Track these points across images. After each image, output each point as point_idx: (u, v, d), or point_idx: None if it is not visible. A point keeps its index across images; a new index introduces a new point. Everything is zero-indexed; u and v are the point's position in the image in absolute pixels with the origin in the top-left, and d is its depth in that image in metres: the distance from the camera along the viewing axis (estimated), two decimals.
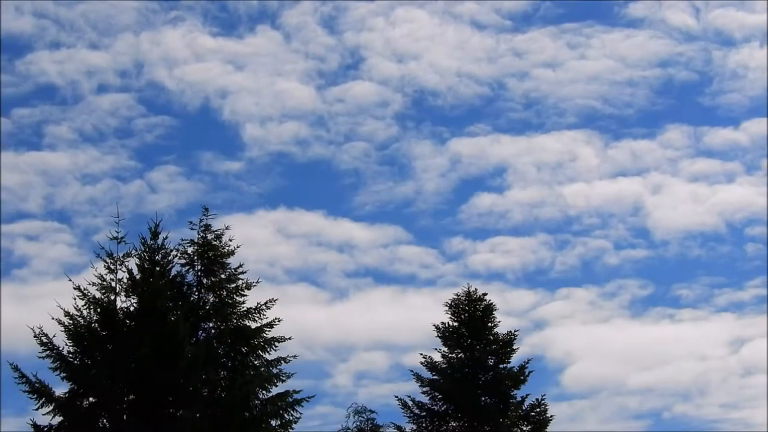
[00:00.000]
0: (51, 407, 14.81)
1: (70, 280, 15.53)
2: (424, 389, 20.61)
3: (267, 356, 16.59)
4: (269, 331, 16.74)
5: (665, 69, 51.70)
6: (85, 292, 15.37)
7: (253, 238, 47.24)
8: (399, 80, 52.28)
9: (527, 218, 48.39)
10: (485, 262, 46.75)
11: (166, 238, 15.87)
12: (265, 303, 16.87)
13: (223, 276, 16.91)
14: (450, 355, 20.87)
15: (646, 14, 53.48)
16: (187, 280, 16.73)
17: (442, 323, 20.97)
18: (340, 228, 48.30)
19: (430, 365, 20.72)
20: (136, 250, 15.71)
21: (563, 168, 50.38)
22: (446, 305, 21.31)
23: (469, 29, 52.99)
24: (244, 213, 48.75)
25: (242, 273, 17.07)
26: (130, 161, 49.96)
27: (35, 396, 14.77)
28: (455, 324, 21.09)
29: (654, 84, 51.73)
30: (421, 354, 20.96)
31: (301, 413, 16.35)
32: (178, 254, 16.74)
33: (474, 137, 51.03)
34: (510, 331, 20.97)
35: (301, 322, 42.81)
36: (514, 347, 20.84)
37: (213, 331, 16.57)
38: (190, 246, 17.11)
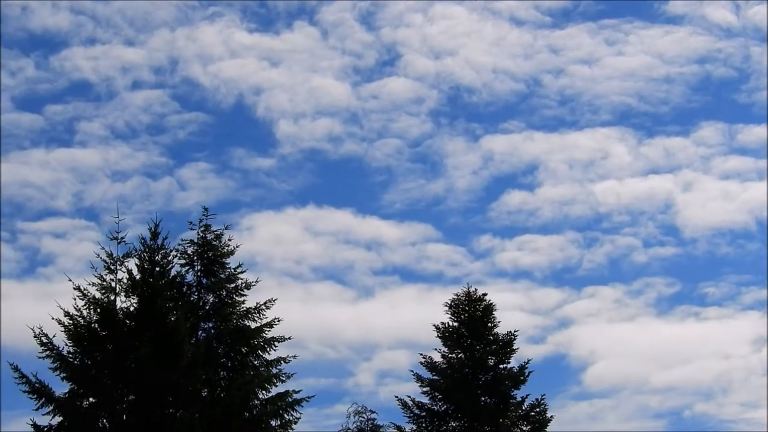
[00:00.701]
0: (51, 407, 14.83)
1: (70, 280, 15.58)
2: (424, 389, 20.64)
3: (267, 356, 16.60)
4: (269, 331, 16.75)
5: (703, 65, 51.77)
6: (85, 292, 15.37)
7: (281, 236, 47.55)
8: (435, 77, 52.05)
9: (557, 216, 48.53)
10: (513, 260, 46.82)
11: (166, 238, 15.90)
12: (265, 303, 16.88)
13: (222, 276, 16.93)
14: (450, 355, 20.88)
15: (687, 11, 53.58)
16: (186, 280, 16.75)
17: (442, 323, 20.99)
18: (368, 226, 48.29)
19: (430, 365, 20.72)
20: (136, 251, 15.75)
21: (595, 165, 50.62)
22: (446, 305, 21.35)
23: (508, 25, 53.13)
24: (272, 211, 49.58)
25: (242, 273, 17.11)
26: (161, 158, 50.03)
27: (35, 396, 14.78)
28: (455, 324, 21.11)
29: (691, 81, 51.85)
30: (421, 354, 21.02)
31: (301, 413, 16.37)
32: (178, 254, 16.77)
33: (507, 134, 51.10)
34: (510, 331, 20.98)
35: (326, 320, 42.75)
36: (514, 347, 20.88)
37: (213, 331, 16.58)
38: (189, 246, 17.13)
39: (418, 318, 38.02)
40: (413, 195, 49.62)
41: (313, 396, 16.65)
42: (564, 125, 52.02)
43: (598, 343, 41.74)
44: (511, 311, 43.17)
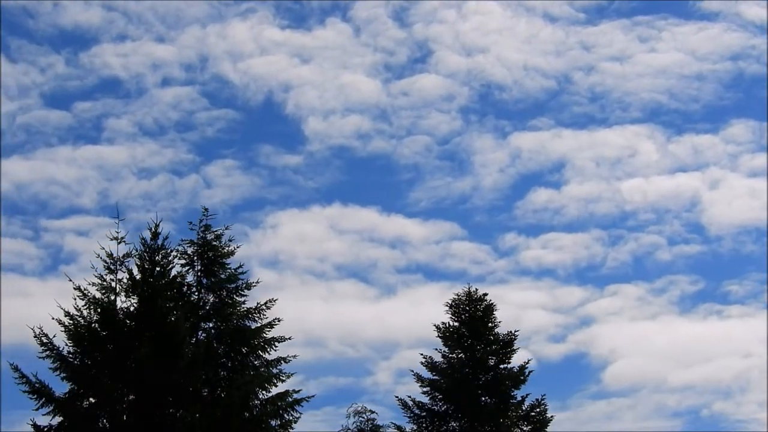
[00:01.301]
0: (51, 407, 14.83)
1: (70, 280, 15.58)
2: (425, 389, 20.63)
3: (267, 356, 16.60)
4: (269, 331, 16.76)
5: (736, 62, 51.86)
6: (85, 292, 15.37)
7: (305, 234, 48.01)
8: (466, 74, 51.89)
9: (582, 214, 48.68)
10: (537, 259, 46.97)
11: (167, 238, 15.91)
12: (265, 303, 16.89)
13: (223, 276, 16.93)
14: (450, 355, 20.87)
15: (721, 8, 53.49)
16: (187, 281, 16.76)
17: (443, 323, 20.98)
18: (393, 224, 48.20)
19: (431, 365, 20.72)
20: (137, 251, 15.75)
21: (622, 163, 50.74)
22: (446, 305, 21.35)
23: (541, 22, 53.43)
24: (298, 209, 49.83)
25: (242, 273, 17.11)
26: (188, 155, 50.29)
27: (35, 396, 14.78)
28: (455, 324, 21.11)
29: (723, 78, 51.98)
30: (421, 354, 21.01)
31: (300, 413, 16.37)
32: (178, 254, 16.77)
33: (536, 131, 51.29)
34: (510, 332, 20.97)
35: (347, 319, 43.18)
36: (515, 347, 20.88)
37: (213, 331, 16.58)
38: (190, 246, 17.13)
39: (439, 317, 38.28)
40: (439, 193, 49.55)
41: (312, 396, 16.66)
42: (593, 123, 52.36)
43: (618, 341, 41.77)
44: (534, 310, 43.11)
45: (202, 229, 17.06)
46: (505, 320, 19.20)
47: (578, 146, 50.58)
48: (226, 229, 17.30)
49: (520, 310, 42.31)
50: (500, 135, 50.65)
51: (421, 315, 42.24)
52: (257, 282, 17.15)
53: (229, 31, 51.49)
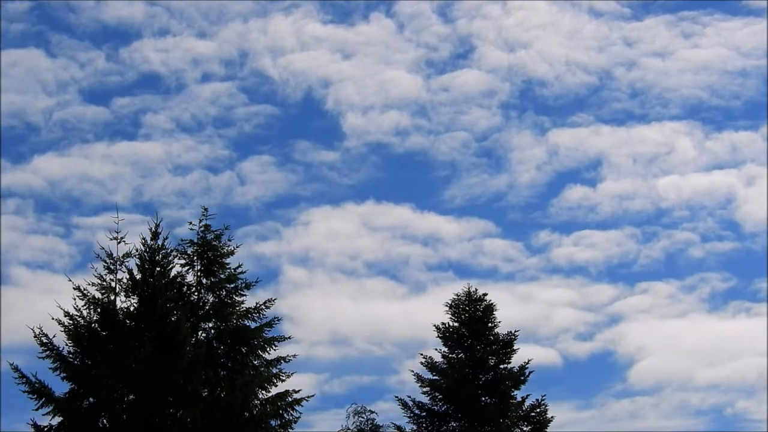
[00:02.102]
0: (51, 407, 14.82)
1: (70, 280, 15.56)
2: (425, 389, 20.62)
3: (267, 356, 16.59)
4: (269, 330, 16.75)
5: None
6: (85, 292, 15.36)
7: (337, 231, 47.91)
8: (508, 69, 51.66)
9: (616, 211, 48.59)
10: (568, 256, 46.92)
11: (167, 238, 15.90)
12: (264, 303, 16.87)
13: (222, 276, 16.92)
14: (450, 356, 20.87)
15: None
16: (187, 281, 16.74)
17: (443, 323, 20.97)
18: (427, 221, 47.94)
19: (431, 365, 20.71)
20: (137, 251, 15.73)
21: (659, 160, 50.64)
22: (446, 305, 21.34)
23: (586, 17, 53.63)
24: (331, 206, 49.92)
25: (242, 273, 17.09)
26: (224, 150, 50.21)
27: (35, 396, 14.77)
28: (455, 324, 21.11)
29: (766, 74, 51.94)
30: (421, 354, 21.01)
31: (301, 413, 16.37)
32: (178, 254, 16.75)
33: (575, 128, 51.21)
34: (510, 332, 20.97)
35: (374, 317, 43.16)
36: (515, 347, 20.87)
37: (213, 331, 16.56)
38: (189, 246, 17.11)
39: None
40: (475, 191, 49.36)
41: (312, 396, 16.63)
42: (632, 119, 52.21)
43: (646, 339, 41.62)
44: (563, 308, 43.02)
45: (201, 229, 17.04)
46: (533, 318, 19.26)
47: (616, 143, 50.48)
48: (226, 228, 17.30)
49: (549, 308, 42.21)
50: (539, 131, 50.55)
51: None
52: (257, 281, 17.14)
53: (271, 26, 51.18)
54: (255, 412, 15.98)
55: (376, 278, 45.94)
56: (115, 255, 15.74)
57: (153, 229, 15.81)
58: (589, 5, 52.97)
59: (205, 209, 17.34)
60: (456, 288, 20.49)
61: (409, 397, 19.98)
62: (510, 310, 20.40)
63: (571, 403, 38.65)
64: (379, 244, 46.62)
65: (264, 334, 16.59)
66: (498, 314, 19.99)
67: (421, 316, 42.55)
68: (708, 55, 50.79)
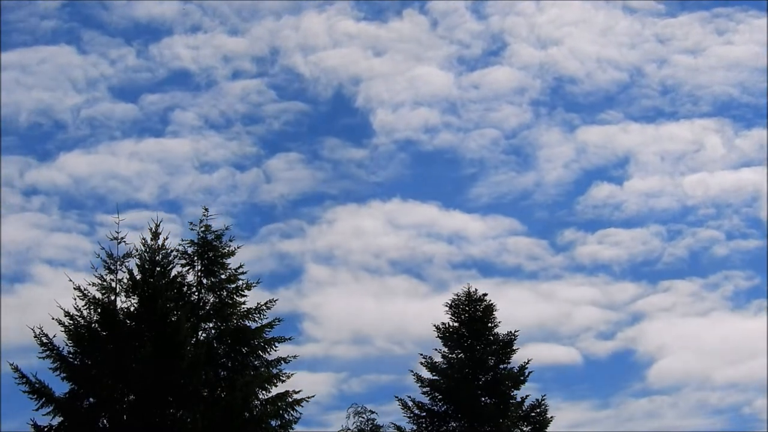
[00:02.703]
0: (51, 407, 14.79)
1: (71, 280, 15.52)
2: (424, 389, 20.60)
3: (267, 356, 16.56)
4: (269, 331, 16.72)
5: None
6: (85, 292, 15.35)
7: (362, 229, 47.07)
8: (539, 66, 51.26)
9: (642, 209, 48.00)
10: (592, 254, 46.14)
11: (167, 238, 15.86)
12: (265, 303, 16.84)
13: (223, 276, 16.89)
14: (450, 356, 20.84)
15: None
16: (187, 281, 16.71)
17: (443, 323, 20.94)
18: (452, 219, 47.45)
19: (430, 365, 20.68)
20: (137, 251, 15.70)
21: (687, 158, 49.88)
22: (446, 306, 21.31)
23: (620, 14, 52.91)
24: (357, 204, 48.73)
25: (242, 273, 17.06)
26: (252, 148, 49.00)
27: (35, 396, 14.74)
28: (455, 324, 21.09)
29: None
30: (421, 354, 20.97)
31: (301, 413, 16.34)
32: (179, 254, 16.71)
33: (604, 125, 50.42)
34: (510, 332, 20.95)
35: (396, 315, 42.25)
36: (514, 347, 20.85)
37: (213, 331, 16.53)
38: (190, 246, 17.07)
39: None
40: (502, 188, 48.94)
41: (312, 396, 16.60)
42: (662, 116, 51.32)
43: (667, 338, 41.13)
44: (585, 306, 42.50)
45: (202, 229, 17.00)
46: (555, 317, 19.08)
47: (644, 140, 49.73)
48: (227, 229, 17.27)
49: (572, 306, 41.74)
50: (568, 128, 50.18)
51: None
52: (257, 282, 17.12)
53: (304, 23, 50.12)
54: (255, 413, 15.96)
55: (400, 276, 45.15)
56: (115, 255, 15.75)
57: (153, 229, 15.79)
58: (623, 3, 52.42)
59: (206, 209, 17.31)
60: (479, 286, 20.44)
61: (409, 397, 19.98)
62: (532, 309, 20.38)
63: (589, 402, 38.24)
64: (403, 242, 46.24)
65: (264, 335, 16.58)
66: (518, 313, 20.11)
67: (443, 315, 42.52)
68: (740, 52, 50.17)
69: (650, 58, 50.97)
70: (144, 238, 15.71)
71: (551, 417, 19.72)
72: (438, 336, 20.17)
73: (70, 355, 15.18)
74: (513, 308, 37.76)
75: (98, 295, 15.43)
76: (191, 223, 17.50)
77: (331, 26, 49.79)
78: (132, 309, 15.30)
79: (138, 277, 15.47)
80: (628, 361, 41.54)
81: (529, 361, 20.05)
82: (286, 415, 16.49)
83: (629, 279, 45.72)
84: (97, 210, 46.28)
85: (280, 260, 41.62)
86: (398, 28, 51.06)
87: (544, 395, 19.80)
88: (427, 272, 45.55)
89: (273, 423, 16.34)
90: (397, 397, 20.20)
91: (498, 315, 20.16)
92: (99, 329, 15.21)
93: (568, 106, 51.64)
